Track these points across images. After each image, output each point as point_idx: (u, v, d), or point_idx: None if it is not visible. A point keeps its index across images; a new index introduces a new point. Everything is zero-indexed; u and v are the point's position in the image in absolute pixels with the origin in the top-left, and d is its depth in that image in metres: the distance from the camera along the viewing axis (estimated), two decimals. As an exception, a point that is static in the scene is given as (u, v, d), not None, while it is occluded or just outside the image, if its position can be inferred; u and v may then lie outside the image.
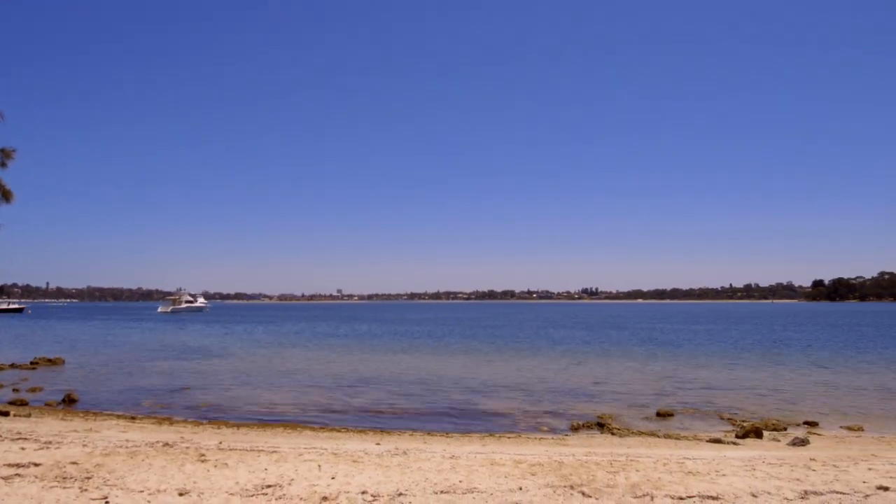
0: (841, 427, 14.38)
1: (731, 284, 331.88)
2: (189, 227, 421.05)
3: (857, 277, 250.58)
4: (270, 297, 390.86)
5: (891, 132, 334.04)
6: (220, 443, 10.89)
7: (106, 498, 6.92)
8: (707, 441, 12.56)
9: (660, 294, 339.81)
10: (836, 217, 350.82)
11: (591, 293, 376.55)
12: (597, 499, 7.07)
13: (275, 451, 9.80)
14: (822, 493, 7.33)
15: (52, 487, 7.29)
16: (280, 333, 54.60)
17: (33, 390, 19.80)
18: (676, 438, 12.92)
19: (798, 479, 8.06)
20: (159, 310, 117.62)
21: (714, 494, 7.25)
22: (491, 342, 42.73)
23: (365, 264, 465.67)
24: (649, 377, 23.43)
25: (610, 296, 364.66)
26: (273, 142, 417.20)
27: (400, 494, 7.17)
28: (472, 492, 7.32)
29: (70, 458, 8.95)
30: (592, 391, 19.88)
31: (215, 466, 8.58)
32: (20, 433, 11.30)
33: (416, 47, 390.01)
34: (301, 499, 6.97)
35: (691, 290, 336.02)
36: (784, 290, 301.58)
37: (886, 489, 7.54)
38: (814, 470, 8.71)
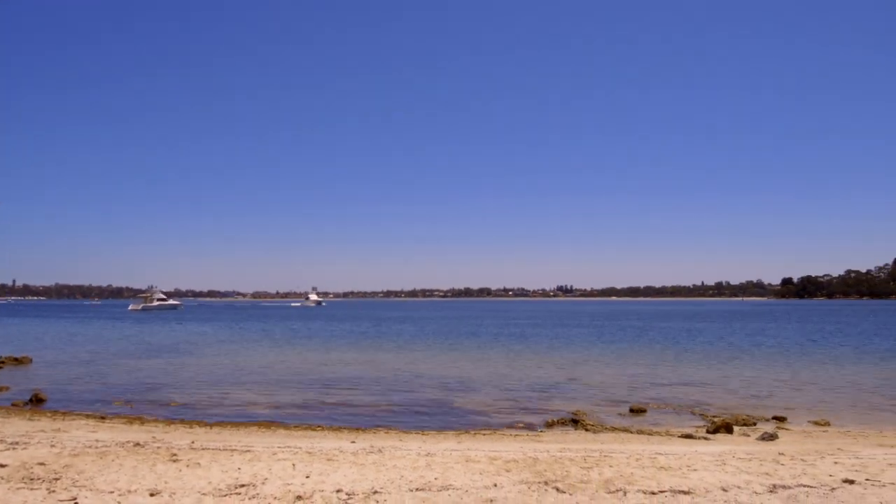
0: (808, 422, 14.70)
1: (702, 282, 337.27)
2: (160, 223, 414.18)
3: (825, 275, 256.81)
4: (244, 295, 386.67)
5: (858, 133, 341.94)
6: (193, 442, 10.76)
7: (75, 499, 6.80)
8: (679, 436, 12.75)
9: (633, 292, 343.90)
10: (805, 216, 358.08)
11: (566, 290, 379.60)
12: (571, 494, 7.13)
13: (248, 451, 9.71)
14: (790, 487, 7.49)
15: (18, 489, 7.14)
16: (254, 332, 54.08)
17: (-1, 390, 19.36)
18: (649, 434, 13.09)
19: (767, 474, 8.22)
20: (130, 308, 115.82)
21: (685, 489, 7.36)
22: (467, 339, 42.83)
23: (340, 261, 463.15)
24: (623, 373, 23.70)
25: (584, 293, 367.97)
26: (246, 139, 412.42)
27: (375, 492, 7.16)
28: (448, 489, 7.34)
29: (37, 459, 8.77)
30: (567, 387, 20.04)
31: (187, 466, 8.48)
32: (-15, 434, 11.03)
33: (395, 45, 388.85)
34: (275, 498, 6.92)
35: (664, 287, 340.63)
36: (754, 288, 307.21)
37: (852, 482, 7.74)
38: (782, 464, 8.89)
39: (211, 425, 13.95)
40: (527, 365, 26.69)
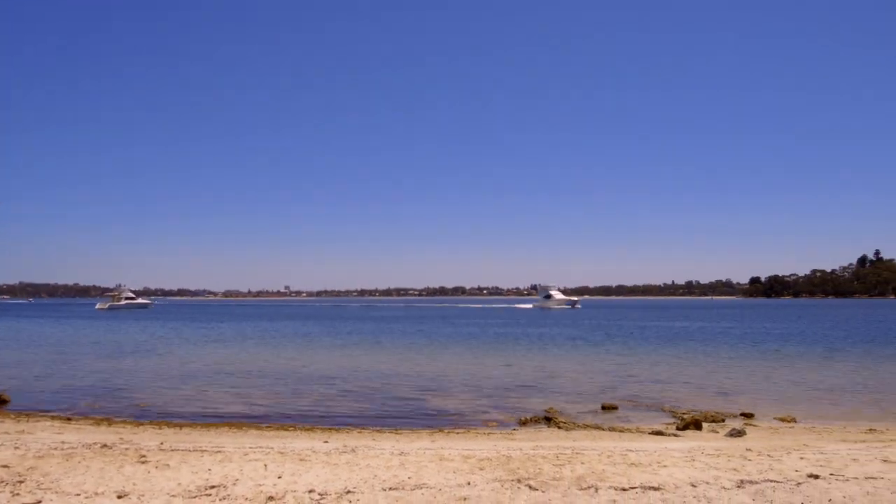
0: (775, 418, 15.00)
1: (673, 281, 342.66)
2: (129, 221, 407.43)
3: (791, 275, 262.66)
4: (215, 294, 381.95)
5: (823, 135, 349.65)
6: (162, 443, 10.59)
7: (40, 502, 6.65)
8: (649, 433, 12.91)
9: (605, 290, 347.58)
10: (773, 216, 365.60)
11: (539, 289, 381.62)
12: (543, 492, 7.18)
13: (219, 451, 9.59)
14: (757, 482, 7.64)
15: (-21, 493, 6.95)
16: (224, 331, 53.41)
17: (-41, 391, 18.79)
18: (620, 431, 13.24)
19: (735, 469, 8.37)
20: (97, 307, 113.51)
21: (655, 485, 7.46)
22: (440, 338, 42.84)
23: (313, 261, 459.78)
24: (594, 371, 23.92)
25: (565, 292, 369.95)
26: (219, 138, 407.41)
27: (348, 492, 7.12)
28: (421, 488, 7.33)
29: (1, 462, 8.55)
30: (540, 386, 20.17)
31: (156, 468, 8.34)
32: (-55, 437, 10.73)
33: (372, 44, 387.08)
34: (246, 499, 6.84)
35: (635, 286, 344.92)
36: (723, 287, 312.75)
37: (817, 477, 7.92)
38: (749, 460, 9.07)
39: (181, 426, 13.74)
40: (500, 363, 26.79)
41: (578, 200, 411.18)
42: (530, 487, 7.36)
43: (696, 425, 13.44)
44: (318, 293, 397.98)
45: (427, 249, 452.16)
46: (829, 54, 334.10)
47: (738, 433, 12.50)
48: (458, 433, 13.12)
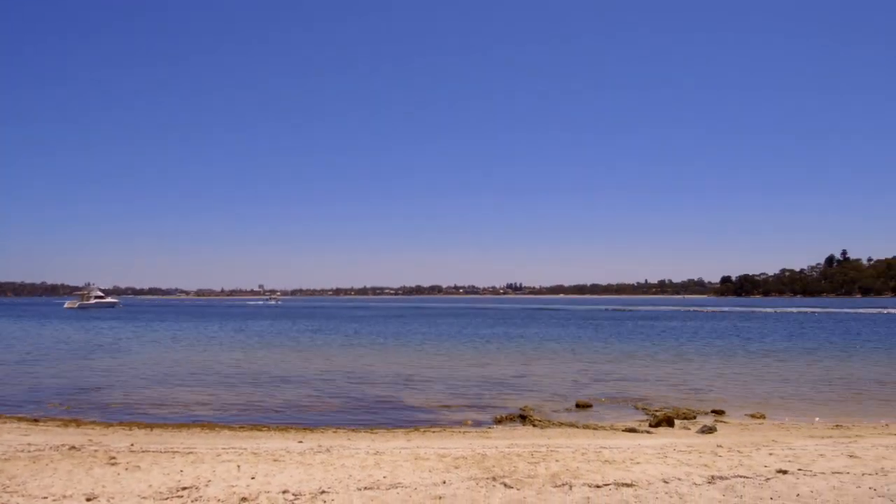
0: (745, 415, 15.26)
1: (646, 280, 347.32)
2: (99, 216, 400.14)
3: (761, 274, 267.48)
4: (187, 293, 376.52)
5: (792, 135, 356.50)
6: (132, 445, 10.42)
7: (4, 506, 6.50)
8: (623, 430, 13.05)
9: (580, 289, 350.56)
10: (744, 216, 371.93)
11: (515, 288, 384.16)
12: (518, 489, 7.22)
13: (191, 452, 9.46)
14: (727, 478, 7.77)
15: (-59, 497, 6.77)
16: (196, 330, 52.71)
17: (-79, 393, 18.30)
18: (594, 429, 13.36)
19: (706, 465, 8.51)
20: (66, 305, 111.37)
21: (629, 482, 7.55)
22: (416, 337, 42.80)
23: (288, 259, 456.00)
24: (570, 369, 24.11)
25: (533, 291, 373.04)
26: (191, 137, 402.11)
27: (322, 492, 7.08)
28: (396, 487, 7.32)
29: (-37, 466, 8.33)
30: (515, 384, 20.27)
31: (126, 469, 8.20)
32: None
33: (340, 45, 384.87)
34: (219, 500, 6.76)
35: (609, 285, 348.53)
36: (695, 286, 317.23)
37: (785, 472, 8.08)
38: (720, 456, 9.22)
39: (152, 427, 13.52)
40: (476, 362, 26.86)
41: (554, 200, 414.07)
42: (505, 485, 7.39)
43: (669, 422, 13.62)
44: (293, 292, 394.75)
45: (403, 248, 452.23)
46: (803, 53, 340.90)
47: (709, 430, 12.69)
48: (433, 432, 13.12)
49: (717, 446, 10.20)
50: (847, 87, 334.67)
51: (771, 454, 9.41)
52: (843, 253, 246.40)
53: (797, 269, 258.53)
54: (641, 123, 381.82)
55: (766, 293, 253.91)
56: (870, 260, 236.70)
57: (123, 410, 15.83)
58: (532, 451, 9.59)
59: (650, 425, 13.56)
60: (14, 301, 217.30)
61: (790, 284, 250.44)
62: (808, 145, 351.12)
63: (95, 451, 9.63)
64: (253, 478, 7.75)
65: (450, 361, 27.27)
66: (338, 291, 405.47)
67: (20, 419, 14.46)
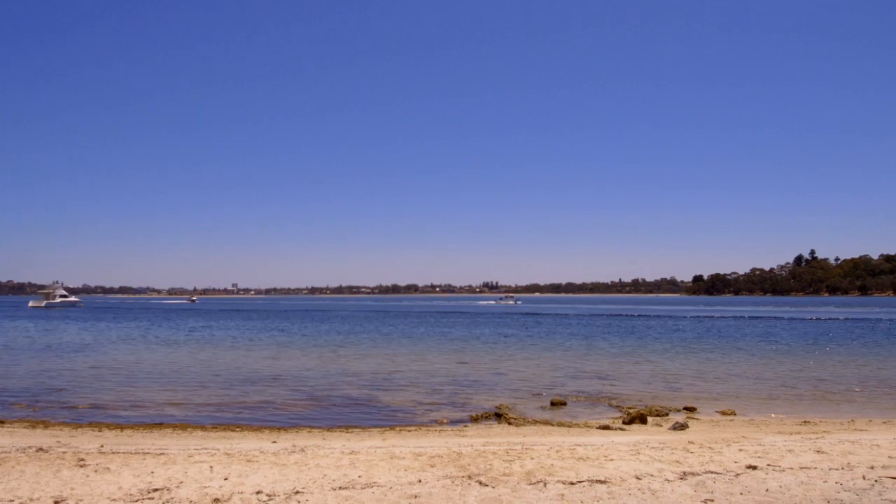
0: (716, 412, 15.50)
1: (620, 279, 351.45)
2: (68, 213, 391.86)
3: (732, 273, 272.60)
4: (159, 292, 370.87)
5: (763, 135, 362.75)
6: (102, 446, 10.22)
7: (-33, 511, 6.33)
8: (597, 428, 13.17)
9: (555, 288, 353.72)
10: (716, 216, 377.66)
11: (491, 287, 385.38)
12: (493, 487, 7.24)
13: (162, 454, 9.32)
14: (698, 474, 7.89)
15: None
16: (168, 329, 51.92)
17: None
18: (569, 426, 13.46)
19: (678, 461, 8.63)
20: (31, 304, 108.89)
21: (602, 478, 7.62)
22: (391, 336, 42.70)
23: (263, 257, 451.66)
24: (544, 368, 24.27)
25: (509, 290, 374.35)
26: (164, 135, 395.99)
27: (297, 493, 7.03)
28: (372, 486, 7.29)
29: (-76, 469, 8.10)
30: (491, 382, 20.33)
31: (96, 471, 8.04)
32: None
33: (312, 44, 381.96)
34: (191, 501, 6.67)
35: (584, 284, 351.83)
36: (668, 285, 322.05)
37: (755, 468, 8.23)
38: (692, 452, 9.36)
39: (122, 428, 13.29)
40: (452, 361, 26.88)
41: (530, 199, 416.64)
42: (480, 483, 7.41)
43: (642, 419, 13.78)
44: (267, 291, 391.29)
45: (378, 247, 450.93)
46: (772, 53, 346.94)
47: (681, 426, 12.87)
48: (409, 431, 13.10)
49: (689, 443, 10.35)
50: (817, 88, 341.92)
51: (741, 450, 9.58)
52: (812, 253, 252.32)
53: (767, 269, 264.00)
54: (616, 123, 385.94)
55: (736, 292, 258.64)
56: (837, 259, 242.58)
57: (93, 411, 15.53)
58: (507, 449, 9.63)
59: (623, 422, 13.70)
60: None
61: (760, 283, 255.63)
62: (779, 146, 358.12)
63: (64, 452, 9.43)
64: (226, 478, 7.66)
65: (426, 360, 27.25)
66: (312, 290, 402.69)
67: (-15, 421, 14.11)
